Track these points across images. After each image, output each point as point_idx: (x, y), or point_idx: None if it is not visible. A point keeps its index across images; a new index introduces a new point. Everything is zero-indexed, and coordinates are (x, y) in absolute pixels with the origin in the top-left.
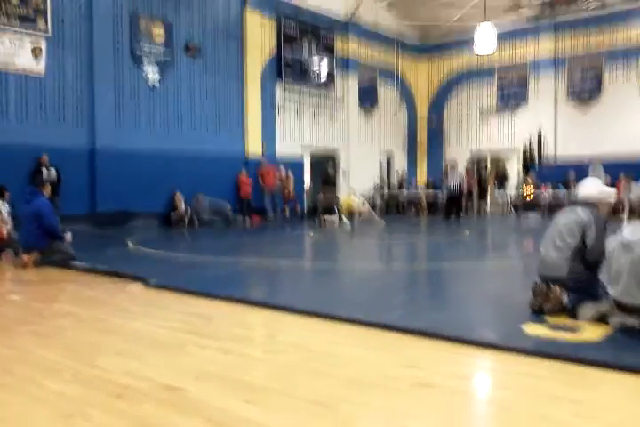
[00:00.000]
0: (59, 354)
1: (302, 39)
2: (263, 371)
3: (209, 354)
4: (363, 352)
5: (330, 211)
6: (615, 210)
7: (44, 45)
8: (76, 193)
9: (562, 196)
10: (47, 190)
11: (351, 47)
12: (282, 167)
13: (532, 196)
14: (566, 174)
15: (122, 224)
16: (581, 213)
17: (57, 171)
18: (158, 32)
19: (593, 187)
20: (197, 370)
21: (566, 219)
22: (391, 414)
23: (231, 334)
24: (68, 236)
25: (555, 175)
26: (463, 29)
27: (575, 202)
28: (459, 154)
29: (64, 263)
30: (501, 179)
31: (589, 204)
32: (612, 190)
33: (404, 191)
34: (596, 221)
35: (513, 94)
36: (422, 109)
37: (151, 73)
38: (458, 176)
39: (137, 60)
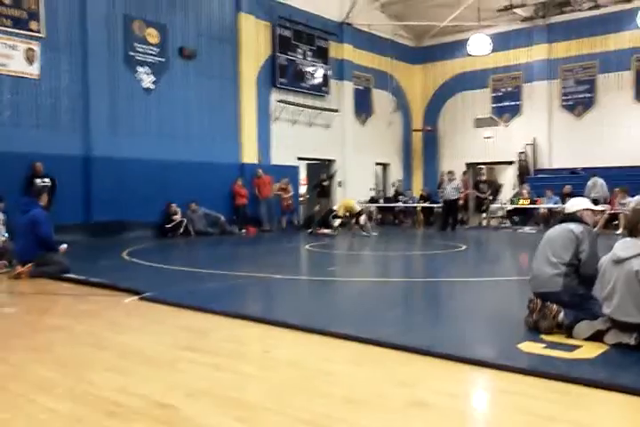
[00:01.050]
0: (51, 369)
1: (297, 43)
2: (257, 389)
3: (202, 371)
4: (357, 369)
5: (326, 223)
6: (609, 222)
7: (37, 48)
8: (71, 202)
9: (558, 209)
10: (44, 200)
11: (346, 51)
12: (285, 179)
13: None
14: (561, 187)
15: (117, 234)
16: (574, 228)
17: (52, 180)
18: (153, 35)
19: (577, 202)
20: (190, 387)
21: (559, 234)
22: None
23: (225, 349)
24: (64, 247)
25: (550, 187)
26: (457, 30)
27: (564, 218)
28: (454, 165)
29: (58, 275)
30: (495, 191)
31: (577, 220)
32: (599, 206)
33: (400, 203)
34: (589, 235)
35: (507, 105)
36: (417, 119)
37: (145, 76)
38: (456, 188)
39: (131, 64)
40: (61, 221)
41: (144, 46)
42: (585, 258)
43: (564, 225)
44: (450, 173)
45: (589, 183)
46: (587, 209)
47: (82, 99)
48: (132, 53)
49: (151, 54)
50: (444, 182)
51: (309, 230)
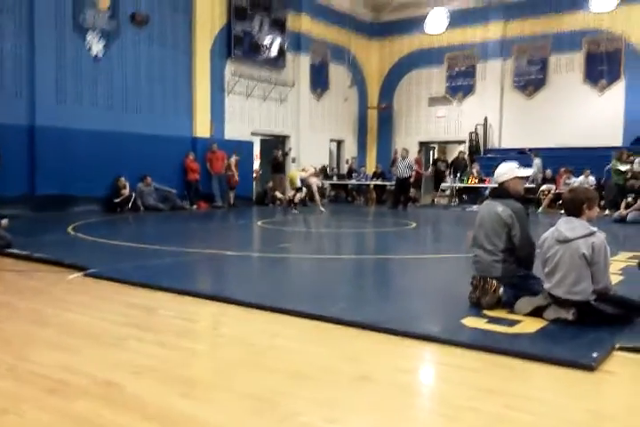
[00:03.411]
0: None
1: (253, 13)
2: (204, 365)
3: (148, 348)
4: (305, 345)
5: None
6: (553, 202)
7: None
8: (13, 174)
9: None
10: None
11: (303, 23)
12: (233, 156)
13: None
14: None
15: (62, 209)
16: (501, 213)
17: None
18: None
19: (504, 170)
20: (136, 365)
21: (489, 218)
22: (332, 409)
23: (172, 326)
24: (5, 222)
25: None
26: (415, 5)
27: (493, 193)
28: (407, 143)
29: (0, 250)
30: (457, 170)
31: (506, 195)
32: (525, 170)
33: (353, 180)
34: (518, 215)
35: (462, 84)
36: (373, 95)
37: (95, 43)
38: (408, 166)
39: (80, 29)
40: (3, 194)
41: (94, 11)
42: (518, 243)
43: (492, 205)
44: (404, 150)
45: (539, 163)
46: (514, 178)
47: (27, 64)
48: (81, 18)
49: (101, 20)
50: (399, 161)
51: (293, 207)
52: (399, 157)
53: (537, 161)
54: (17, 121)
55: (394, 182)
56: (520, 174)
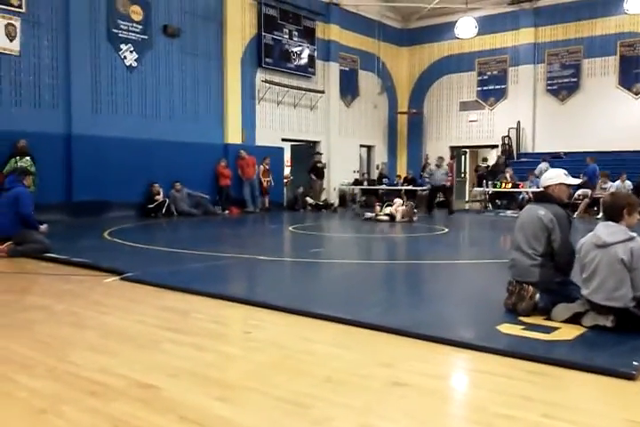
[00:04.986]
0: (31, 349)
1: (283, 23)
2: (238, 369)
3: (184, 351)
4: (339, 350)
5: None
6: (590, 206)
7: (18, 24)
8: (52, 181)
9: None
10: (28, 181)
11: (332, 32)
12: (267, 162)
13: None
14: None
15: (98, 214)
16: (543, 216)
17: (32, 159)
18: (136, 12)
19: (550, 175)
20: (171, 367)
21: (530, 221)
22: (365, 415)
23: (207, 330)
24: (44, 227)
25: (533, 171)
26: (444, 12)
27: (537, 197)
28: (438, 148)
29: (39, 254)
30: (496, 174)
31: (549, 200)
32: (573, 179)
33: (384, 185)
34: (559, 222)
35: (493, 88)
36: (403, 101)
37: (129, 54)
38: (445, 173)
39: (114, 41)
40: (42, 201)
41: (127, 23)
42: (557, 248)
43: (534, 209)
44: (440, 158)
45: (543, 168)
46: (560, 184)
47: (63, 76)
48: (115, 30)
49: (134, 32)
50: (429, 166)
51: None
52: (432, 164)
53: (542, 165)
54: (54, 130)
55: (426, 188)
56: (567, 182)
